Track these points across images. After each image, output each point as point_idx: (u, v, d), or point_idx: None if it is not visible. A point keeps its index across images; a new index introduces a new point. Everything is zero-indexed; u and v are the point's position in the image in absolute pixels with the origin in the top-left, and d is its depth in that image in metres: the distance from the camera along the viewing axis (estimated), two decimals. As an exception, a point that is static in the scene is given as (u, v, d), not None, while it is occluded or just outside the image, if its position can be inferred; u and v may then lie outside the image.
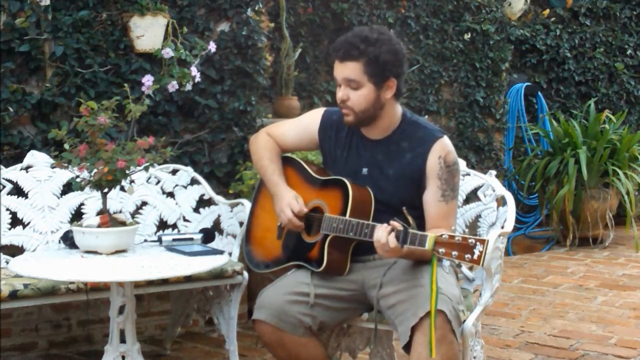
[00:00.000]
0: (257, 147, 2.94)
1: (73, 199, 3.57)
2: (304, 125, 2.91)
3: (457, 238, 2.31)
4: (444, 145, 2.70)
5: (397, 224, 2.43)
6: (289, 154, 2.95)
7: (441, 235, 2.34)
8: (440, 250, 2.33)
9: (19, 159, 3.59)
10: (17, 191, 3.50)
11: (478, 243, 2.28)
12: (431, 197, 2.67)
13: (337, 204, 2.67)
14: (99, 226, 2.82)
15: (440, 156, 2.67)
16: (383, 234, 2.45)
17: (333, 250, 2.67)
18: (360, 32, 2.65)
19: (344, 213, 2.64)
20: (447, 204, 2.67)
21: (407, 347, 2.51)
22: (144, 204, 3.70)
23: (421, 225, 2.62)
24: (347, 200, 2.65)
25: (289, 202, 2.74)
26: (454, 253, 2.31)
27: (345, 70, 2.64)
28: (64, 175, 3.53)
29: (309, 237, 2.76)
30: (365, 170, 2.73)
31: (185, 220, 3.72)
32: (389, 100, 2.69)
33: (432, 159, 2.67)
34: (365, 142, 2.76)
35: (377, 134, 2.75)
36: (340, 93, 2.67)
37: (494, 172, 3.13)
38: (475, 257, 2.28)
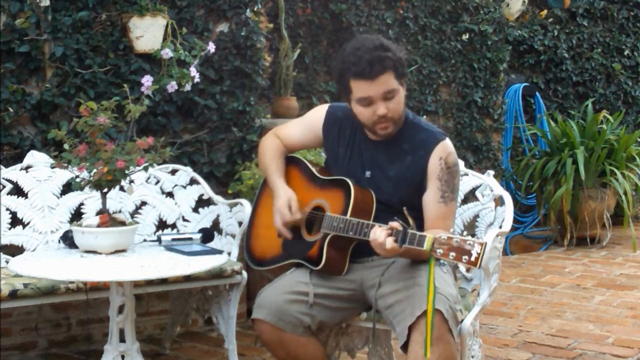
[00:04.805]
0: (262, 147, 2.97)
1: (73, 199, 3.58)
2: (308, 122, 2.93)
3: (455, 239, 2.32)
4: (445, 147, 2.71)
5: (396, 225, 2.44)
6: (294, 155, 2.97)
7: (440, 236, 2.35)
8: (438, 251, 2.34)
9: (19, 159, 3.60)
10: (17, 191, 3.51)
11: (476, 245, 2.29)
12: (431, 198, 2.68)
13: (339, 204, 2.69)
14: (99, 226, 2.83)
15: (441, 157, 2.68)
16: (381, 234, 2.45)
17: (332, 250, 2.68)
18: (370, 44, 2.60)
19: (345, 213, 2.65)
20: (447, 205, 2.68)
21: (405, 347, 2.52)
22: (144, 203, 3.71)
23: (420, 225, 2.63)
24: (349, 200, 2.65)
25: (281, 209, 2.75)
26: (452, 254, 2.32)
27: (382, 84, 2.59)
28: (64, 175, 3.55)
29: (309, 235, 2.77)
30: (368, 174, 2.74)
31: (184, 220, 3.73)
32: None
33: (433, 161, 2.68)
34: (368, 142, 2.77)
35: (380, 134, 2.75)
36: (382, 109, 2.61)
37: (492, 172, 3.15)
38: (473, 259, 2.29)
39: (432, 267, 2.38)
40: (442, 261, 2.69)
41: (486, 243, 2.30)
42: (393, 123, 2.68)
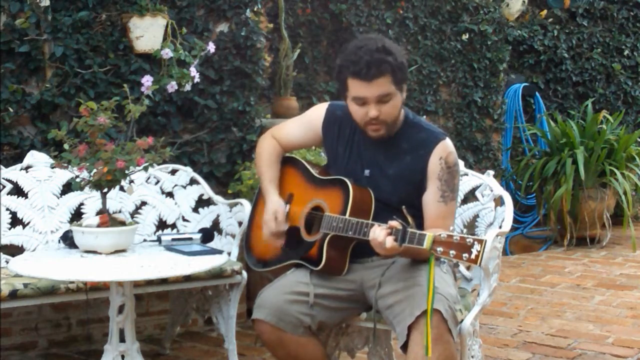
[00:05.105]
0: (259, 150, 2.97)
1: (73, 199, 3.58)
2: (308, 121, 2.92)
3: (455, 237, 2.32)
4: (446, 147, 2.71)
5: (395, 224, 2.44)
6: (292, 155, 2.97)
7: (439, 235, 2.35)
8: (438, 249, 2.34)
9: (19, 159, 3.60)
10: (17, 191, 3.52)
11: (476, 243, 2.29)
12: (431, 198, 2.68)
13: (338, 203, 2.68)
14: (99, 226, 2.83)
15: (441, 157, 2.68)
16: (380, 233, 2.45)
17: (332, 250, 2.68)
18: (373, 46, 2.59)
19: (344, 212, 2.65)
20: (446, 205, 2.68)
21: (405, 347, 2.52)
22: (144, 203, 3.71)
23: (419, 225, 2.63)
24: (348, 200, 2.65)
25: (268, 219, 2.77)
26: (452, 252, 2.32)
27: (378, 87, 2.59)
28: (64, 175, 3.55)
29: (308, 235, 2.77)
30: (367, 172, 2.74)
31: (184, 220, 3.73)
32: (404, 98, 2.71)
33: (433, 161, 2.68)
34: (367, 141, 2.76)
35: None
36: (373, 111, 2.61)
37: (491, 172, 3.15)
38: (473, 256, 2.29)
39: (432, 266, 2.37)
40: (442, 260, 2.69)
41: (486, 240, 2.30)
42: (385, 126, 2.67)
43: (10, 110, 3.64)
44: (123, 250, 2.89)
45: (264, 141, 2.98)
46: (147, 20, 3.84)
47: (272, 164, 2.92)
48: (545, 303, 4.66)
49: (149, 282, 3.28)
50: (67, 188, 3.53)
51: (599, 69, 7.26)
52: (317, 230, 2.73)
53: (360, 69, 2.58)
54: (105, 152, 2.83)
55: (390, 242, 2.43)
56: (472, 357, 2.76)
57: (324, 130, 2.85)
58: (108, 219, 2.86)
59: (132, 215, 3.64)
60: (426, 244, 2.36)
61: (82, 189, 2.92)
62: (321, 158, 3.82)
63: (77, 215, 3.56)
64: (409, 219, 2.42)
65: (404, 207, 2.45)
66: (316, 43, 5.26)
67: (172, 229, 3.70)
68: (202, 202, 3.76)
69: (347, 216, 2.63)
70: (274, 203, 2.81)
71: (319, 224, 2.73)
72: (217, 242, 3.54)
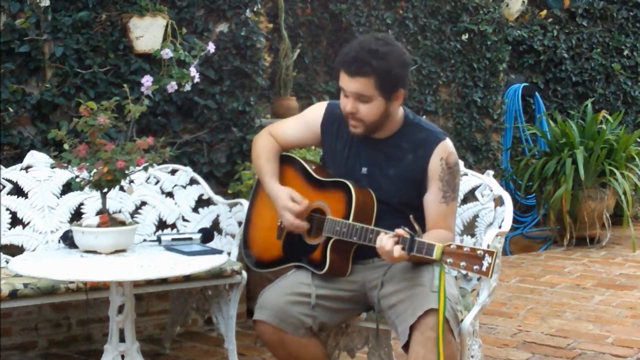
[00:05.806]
0: (256, 146, 2.94)
1: (73, 199, 3.58)
2: (306, 120, 2.91)
3: (465, 249, 2.30)
4: (446, 147, 2.71)
5: (403, 232, 2.42)
6: (289, 154, 2.96)
7: (449, 245, 2.33)
8: (449, 260, 2.31)
9: (19, 159, 3.60)
10: (17, 191, 3.52)
11: (487, 255, 2.27)
12: (432, 199, 2.67)
13: (340, 207, 2.67)
14: (99, 226, 2.83)
15: (442, 158, 2.68)
16: (388, 242, 2.44)
17: (335, 253, 2.67)
18: (368, 45, 2.59)
19: (347, 216, 2.64)
20: (448, 205, 2.68)
21: (407, 347, 2.52)
22: (143, 203, 3.71)
23: (421, 225, 2.62)
24: (351, 204, 2.64)
25: (285, 204, 2.73)
26: (462, 264, 2.29)
27: (356, 85, 2.60)
28: (64, 175, 3.55)
29: (309, 238, 2.75)
30: (364, 170, 2.73)
31: (184, 220, 3.73)
32: (396, 107, 2.70)
33: (434, 161, 2.68)
34: (367, 141, 2.75)
35: (379, 134, 2.74)
36: (349, 106, 2.63)
37: (491, 172, 3.15)
38: (484, 268, 2.27)
39: (442, 276, 2.36)
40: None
41: (497, 252, 2.29)
42: (363, 125, 2.66)
43: (10, 110, 3.64)
44: (123, 250, 2.89)
45: (261, 138, 2.95)
46: (147, 21, 3.84)
47: (271, 159, 2.89)
48: (545, 303, 4.66)
49: (149, 282, 3.28)
50: (67, 188, 3.53)
51: (598, 69, 7.27)
52: (318, 232, 2.72)
53: (346, 60, 2.61)
54: (105, 152, 2.83)
55: (398, 251, 2.42)
56: (472, 357, 2.76)
57: (323, 128, 2.84)
58: (108, 219, 2.86)
59: (132, 215, 3.64)
60: (435, 254, 2.34)
61: (82, 189, 2.92)
62: (321, 158, 3.82)
63: (77, 215, 3.56)
64: (417, 227, 2.40)
65: (411, 216, 2.43)
66: (316, 43, 5.27)
67: (172, 229, 3.70)
68: (202, 202, 3.76)
69: (350, 220, 2.62)
70: (282, 189, 2.78)
71: (319, 226, 2.72)
72: (217, 242, 3.54)
